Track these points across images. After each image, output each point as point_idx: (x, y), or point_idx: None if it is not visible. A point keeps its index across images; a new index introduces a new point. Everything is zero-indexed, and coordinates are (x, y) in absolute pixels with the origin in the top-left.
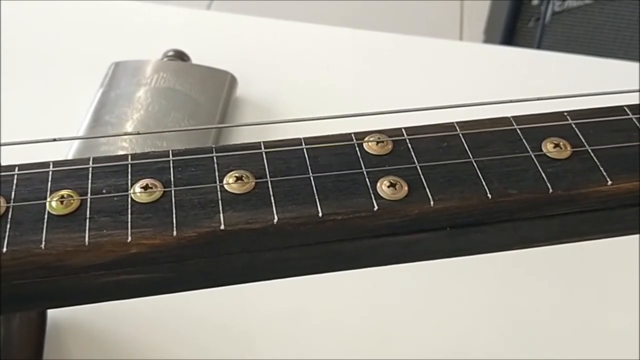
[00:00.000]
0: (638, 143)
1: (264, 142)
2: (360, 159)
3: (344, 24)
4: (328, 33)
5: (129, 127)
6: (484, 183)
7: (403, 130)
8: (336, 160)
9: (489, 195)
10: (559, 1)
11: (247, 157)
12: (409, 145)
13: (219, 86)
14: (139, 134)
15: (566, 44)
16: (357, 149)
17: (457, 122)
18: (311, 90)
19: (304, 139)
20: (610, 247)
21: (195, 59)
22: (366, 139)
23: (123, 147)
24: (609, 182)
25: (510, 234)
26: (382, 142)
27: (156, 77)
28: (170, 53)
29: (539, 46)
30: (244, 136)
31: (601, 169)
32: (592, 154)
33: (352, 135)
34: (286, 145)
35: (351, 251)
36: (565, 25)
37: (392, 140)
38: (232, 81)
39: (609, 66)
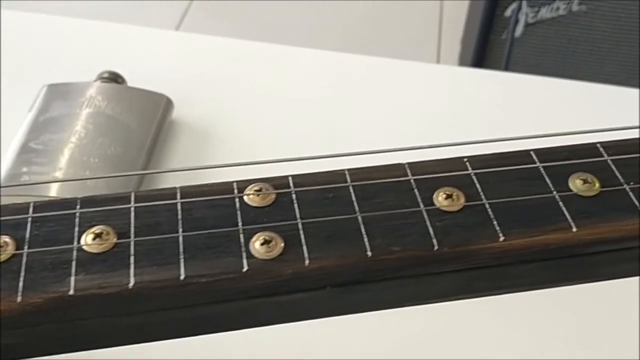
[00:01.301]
0: (539, 195)
1: (135, 193)
2: (238, 212)
3: (312, 46)
4: (279, 53)
5: (54, 155)
6: (365, 239)
7: (290, 179)
8: (212, 214)
9: (369, 252)
10: (532, 13)
11: (114, 210)
12: (293, 196)
13: (153, 109)
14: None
15: (540, 56)
16: (236, 200)
17: (348, 170)
18: (252, 113)
19: (181, 188)
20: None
21: (131, 80)
22: (247, 189)
23: (46, 179)
24: (501, 238)
25: (397, 291)
26: (264, 193)
27: (86, 101)
28: (105, 75)
29: (508, 59)
30: (178, 160)
31: (494, 223)
32: (487, 206)
33: (234, 184)
34: (158, 196)
35: (220, 314)
36: (538, 37)
37: (276, 192)
38: (168, 104)
39: (580, 89)
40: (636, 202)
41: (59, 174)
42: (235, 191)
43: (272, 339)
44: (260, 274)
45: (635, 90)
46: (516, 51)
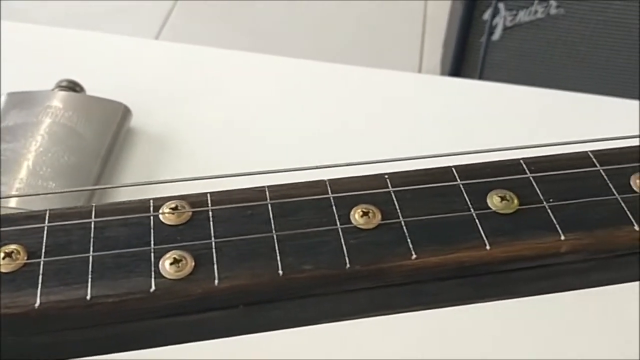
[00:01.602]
0: (456, 212)
1: (50, 211)
2: (152, 231)
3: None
4: (247, 61)
5: (10, 164)
6: (278, 258)
7: (208, 195)
8: (125, 232)
9: (281, 271)
10: (510, 16)
11: (28, 229)
12: (210, 214)
13: (110, 118)
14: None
15: (519, 59)
16: (151, 218)
17: (269, 187)
18: (212, 122)
19: (96, 206)
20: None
21: (91, 89)
22: (163, 207)
23: (4, 190)
24: (414, 257)
25: (313, 308)
26: (180, 211)
27: (44, 110)
28: (63, 83)
29: (483, 63)
30: (135, 168)
31: (408, 241)
32: (402, 224)
33: (151, 201)
34: (73, 215)
35: (129, 333)
36: (517, 40)
37: (192, 210)
38: (125, 112)
39: (554, 97)
40: (554, 220)
41: (17, 184)
42: (151, 209)
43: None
44: (169, 294)
45: (612, 100)
46: (495, 54)
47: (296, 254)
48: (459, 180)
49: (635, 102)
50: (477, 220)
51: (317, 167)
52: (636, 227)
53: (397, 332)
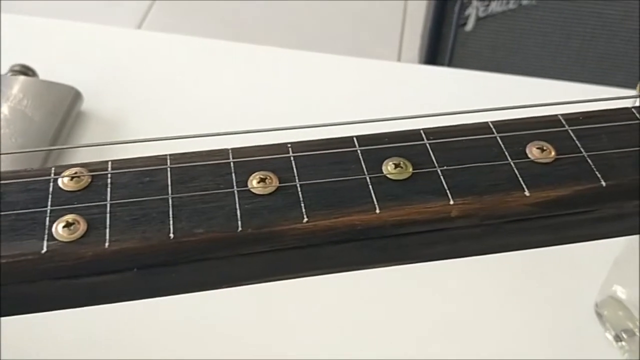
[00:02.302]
0: (352, 177)
1: None
2: (50, 196)
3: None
4: (199, 46)
5: None
6: (171, 222)
7: (109, 163)
8: (24, 197)
9: (172, 235)
10: (482, 7)
11: None
12: (109, 180)
13: (60, 101)
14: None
15: (493, 49)
16: (51, 184)
17: (170, 155)
18: (164, 107)
19: (3, 173)
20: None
21: (44, 73)
22: (63, 174)
23: None
24: (305, 220)
25: (210, 272)
26: (78, 177)
27: None
28: (16, 67)
29: (452, 53)
30: (83, 152)
31: (302, 205)
32: (298, 188)
33: (52, 169)
34: None
35: (25, 295)
36: (490, 31)
37: (92, 175)
38: (76, 96)
39: (526, 84)
40: (445, 186)
41: None
42: (52, 175)
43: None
44: (60, 256)
45: (581, 86)
46: (469, 45)
47: (189, 218)
48: (357, 147)
49: (610, 89)
50: (370, 186)
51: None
52: (527, 193)
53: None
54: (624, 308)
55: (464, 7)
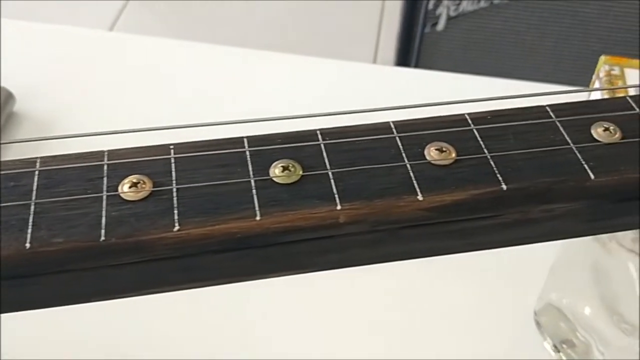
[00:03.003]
0: (236, 181)
1: None
2: None
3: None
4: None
5: None
6: (29, 230)
7: None
8: None
9: (28, 244)
10: (453, 6)
11: None
12: None
13: None
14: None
15: (465, 49)
16: None
17: (40, 158)
18: (100, 108)
19: None
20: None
21: None
22: None
23: None
24: (176, 228)
25: (76, 285)
26: None
27: None
28: None
29: (419, 53)
30: (14, 152)
31: (175, 212)
32: (174, 194)
33: None
34: None
35: None
36: (462, 30)
37: None
38: (8, 97)
39: (495, 85)
40: (334, 190)
41: None
42: None
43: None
44: None
45: (553, 87)
46: (441, 45)
47: (50, 227)
48: (247, 149)
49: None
50: (254, 190)
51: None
52: (420, 197)
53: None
54: (562, 316)
55: (434, 6)
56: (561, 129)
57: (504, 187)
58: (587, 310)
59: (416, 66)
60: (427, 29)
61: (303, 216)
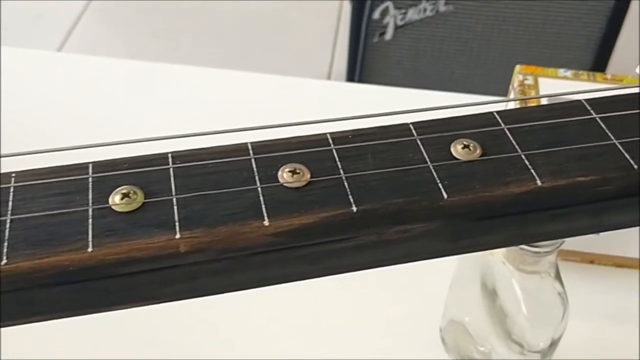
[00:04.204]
0: (73, 210)
1: None
2: None
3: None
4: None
5: None
6: None
7: None
8: None
9: None
10: (400, 15)
11: None
12: None
13: None
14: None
15: (414, 58)
16: None
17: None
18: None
19: None
20: None
21: None
22: None
23: None
24: (4, 262)
25: None
26: None
27: None
28: None
29: (362, 64)
30: None
31: (5, 244)
32: (7, 225)
33: None
34: None
35: None
36: (410, 38)
37: None
38: None
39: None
40: (176, 217)
41: None
42: None
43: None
44: None
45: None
46: (390, 54)
47: None
48: (90, 175)
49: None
50: (90, 220)
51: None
52: (266, 222)
53: None
54: (464, 332)
55: (381, 16)
56: (421, 147)
57: (354, 209)
58: (483, 327)
59: (364, 76)
60: (376, 39)
61: (138, 246)
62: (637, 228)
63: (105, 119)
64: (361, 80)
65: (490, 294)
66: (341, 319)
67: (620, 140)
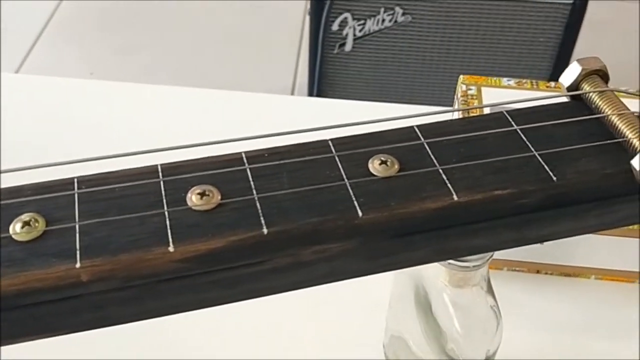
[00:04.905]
0: None
1: None
2: None
3: None
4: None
5: None
6: None
7: None
8: None
9: None
10: (359, 26)
11: None
12: None
13: None
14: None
15: (375, 69)
16: None
17: None
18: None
19: None
20: None
21: None
22: None
23: None
24: None
25: None
26: None
27: None
28: None
29: (320, 75)
30: None
31: None
32: None
33: None
34: None
35: None
36: (370, 49)
37: None
38: None
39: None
40: (77, 245)
41: None
42: None
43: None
44: None
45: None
46: (351, 65)
47: None
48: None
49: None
50: None
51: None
52: (171, 248)
53: None
54: (406, 348)
55: (340, 27)
56: (339, 164)
57: (265, 230)
58: (421, 342)
59: (326, 89)
60: (336, 50)
61: (37, 277)
62: (579, 236)
63: (60, 139)
64: (323, 92)
65: (425, 309)
66: (282, 335)
67: (540, 152)
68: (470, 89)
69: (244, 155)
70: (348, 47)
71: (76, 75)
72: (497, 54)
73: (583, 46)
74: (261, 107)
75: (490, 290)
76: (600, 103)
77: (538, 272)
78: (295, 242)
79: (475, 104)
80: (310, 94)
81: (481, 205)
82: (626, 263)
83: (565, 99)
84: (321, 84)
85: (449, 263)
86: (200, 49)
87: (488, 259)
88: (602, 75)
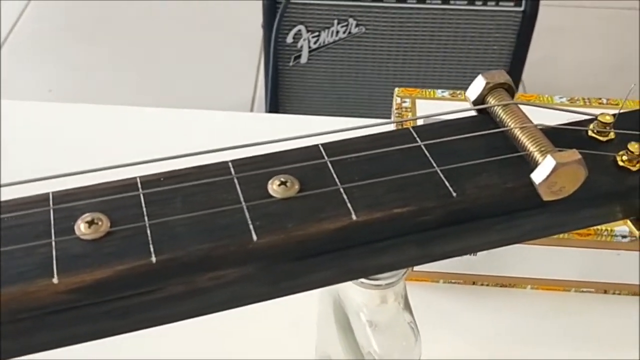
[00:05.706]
0: None
1: None
2: None
3: None
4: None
5: None
6: None
7: None
8: None
9: None
10: (313, 38)
11: None
12: None
13: None
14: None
15: (332, 80)
16: None
17: None
18: None
19: None
20: None
21: None
22: None
23: None
24: None
25: None
26: None
27: None
28: None
29: (274, 89)
30: None
31: None
32: None
33: None
34: None
35: None
36: (326, 61)
37: None
38: None
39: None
40: None
41: None
42: None
43: None
44: None
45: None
46: (307, 77)
47: None
48: None
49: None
50: None
51: None
52: (55, 280)
53: None
54: None
55: (294, 39)
56: (237, 186)
57: (154, 259)
58: None
59: (284, 102)
60: (292, 63)
61: None
62: (513, 247)
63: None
64: (281, 105)
65: (345, 328)
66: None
67: (442, 168)
68: (404, 102)
69: (139, 180)
70: (304, 59)
71: (34, 92)
72: (452, 64)
73: (540, 53)
74: (214, 124)
75: (407, 307)
76: (504, 116)
77: (474, 283)
78: (187, 269)
79: (409, 116)
80: (267, 107)
81: (381, 224)
82: (561, 272)
83: (473, 113)
84: (279, 96)
85: (362, 282)
86: (162, 65)
87: (403, 275)
88: (507, 88)
